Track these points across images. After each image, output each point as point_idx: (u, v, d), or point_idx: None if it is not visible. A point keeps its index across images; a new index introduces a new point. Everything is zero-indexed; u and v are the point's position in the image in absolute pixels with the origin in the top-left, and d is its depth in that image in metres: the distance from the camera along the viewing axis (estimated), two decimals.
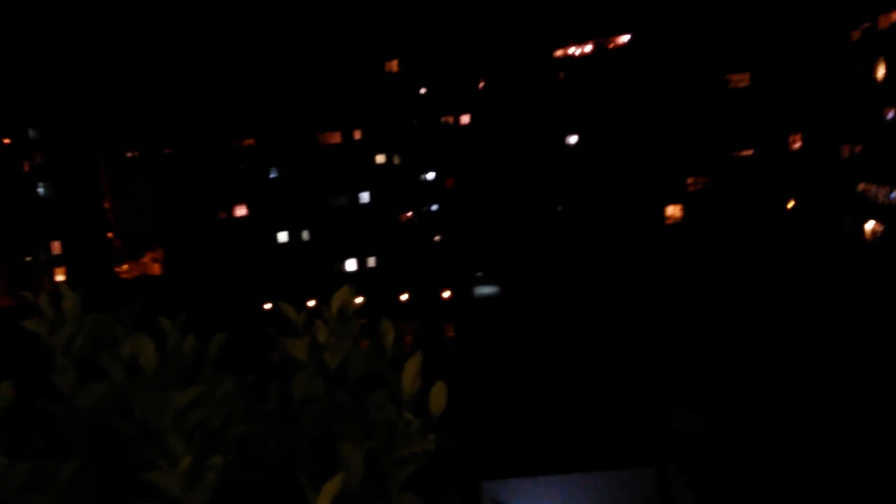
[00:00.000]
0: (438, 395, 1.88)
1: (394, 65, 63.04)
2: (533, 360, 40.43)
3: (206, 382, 1.92)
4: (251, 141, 63.50)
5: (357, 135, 63.21)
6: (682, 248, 55.13)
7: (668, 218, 58.49)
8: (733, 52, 54.98)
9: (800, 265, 49.98)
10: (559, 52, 60.45)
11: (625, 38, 58.84)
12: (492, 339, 46.82)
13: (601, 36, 59.05)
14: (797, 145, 56.10)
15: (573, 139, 60.36)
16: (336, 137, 63.42)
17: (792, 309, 42.73)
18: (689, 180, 57.53)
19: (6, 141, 64.10)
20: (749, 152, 56.14)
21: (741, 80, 55.63)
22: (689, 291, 48.59)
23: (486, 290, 60.40)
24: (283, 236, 64.01)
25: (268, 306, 60.69)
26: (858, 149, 49.16)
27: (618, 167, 57.92)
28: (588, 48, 59.74)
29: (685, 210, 57.83)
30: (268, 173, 63.55)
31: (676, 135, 56.39)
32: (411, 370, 1.92)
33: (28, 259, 65.17)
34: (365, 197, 63.56)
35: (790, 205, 56.57)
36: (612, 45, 59.13)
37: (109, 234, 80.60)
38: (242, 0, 61.88)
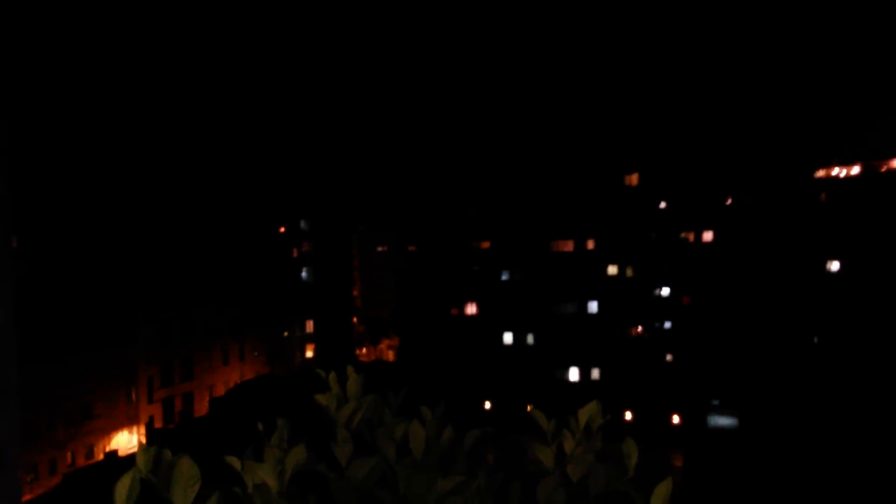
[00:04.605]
0: None
1: (634, 178, 63.02)
2: None
3: (462, 473, 2.08)
4: (487, 244, 66.70)
5: (590, 244, 63.43)
6: None
7: None
8: None
9: None
10: (821, 173, 56.09)
11: None
12: (727, 477, 42.33)
13: (873, 158, 53.87)
14: None
15: (835, 266, 54.67)
16: (569, 245, 64.21)
17: None
18: None
19: (281, 229, 74.43)
20: None
21: None
22: None
23: (722, 420, 55.34)
24: (508, 338, 65.17)
25: (488, 405, 61.30)
26: None
27: (890, 302, 50.96)
28: (855, 170, 54.72)
29: None
30: (500, 275, 65.87)
31: None
32: (661, 495, 1.90)
33: (286, 334, 73.57)
34: (593, 307, 62.83)
35: None
36: (885, 169, 53.55)
37: (354, 319, 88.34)
38: (489, 117, 66.81)
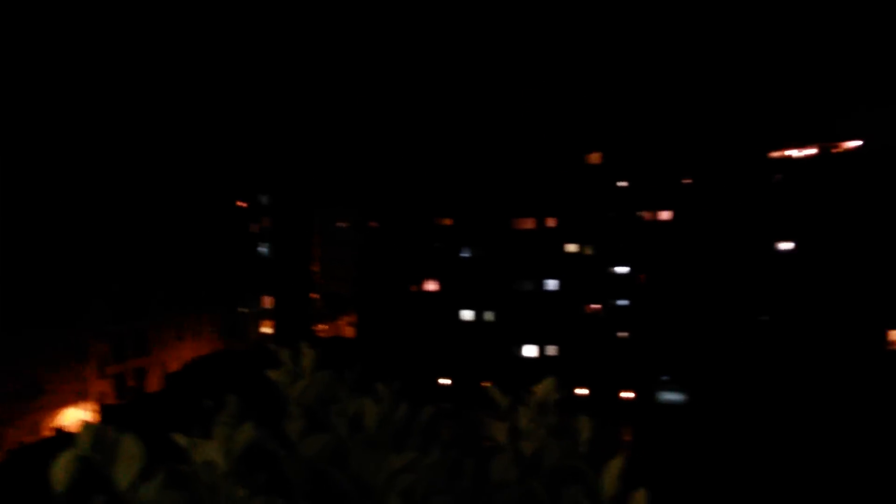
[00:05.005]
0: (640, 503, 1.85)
1: (595, 157, 63.60)
2: (718, 482, 36.91)
3: (416, 450, 2.06)
4: (449, 221, 66.70)
5: (550, 222, 63.97)
6: None
7: (893, 343, 51.79)
8: None
9: None
10: (776, 154, 57.40)
11: (854, 143, 54.59)
12: (674, 450, 43.63)
13: (827, 140, 55.32)
14: None
15: (787, 246, 56.27)
16: (529, 223, 64.66)
17: None
18: None
19: (243, 205, 73.18)
20: None
21: None
22: None
23: (671, 396, 56.93)
24: (467, 315, 65.55)
25: (446, 382, 61.77)
26: None
27: (838, 282, 52.74)
28: (811, 151, 56.12)
29: None
30: (460, 253, 66.03)
31: None
32: (613, 471, 1.91)
33: (244, 311, 72.70)
34: (552, 284, 63.53)
35: None
36: (837, 150, 55.07)
37: (313, 295, 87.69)
38: (450, 93, 66.50)
